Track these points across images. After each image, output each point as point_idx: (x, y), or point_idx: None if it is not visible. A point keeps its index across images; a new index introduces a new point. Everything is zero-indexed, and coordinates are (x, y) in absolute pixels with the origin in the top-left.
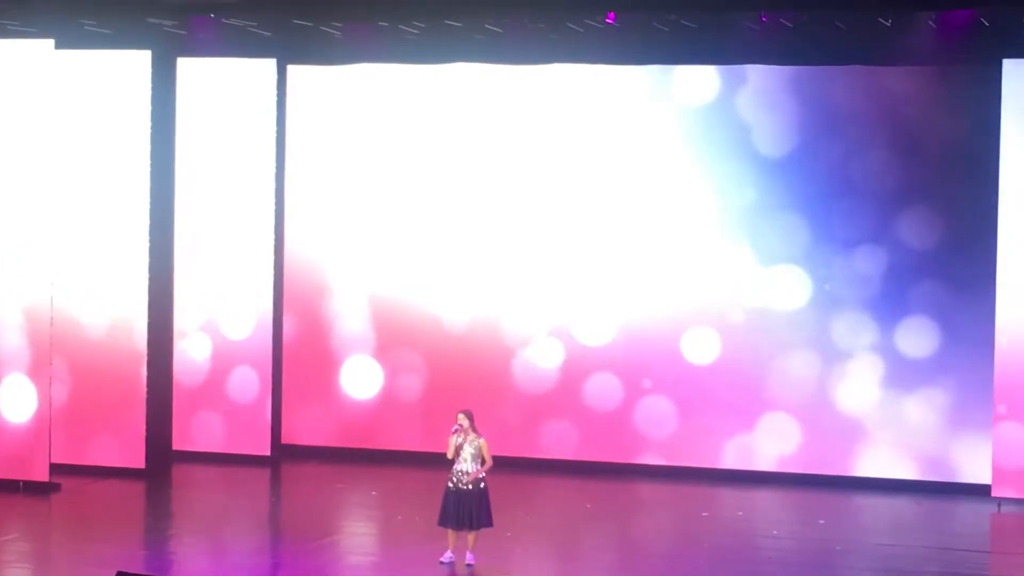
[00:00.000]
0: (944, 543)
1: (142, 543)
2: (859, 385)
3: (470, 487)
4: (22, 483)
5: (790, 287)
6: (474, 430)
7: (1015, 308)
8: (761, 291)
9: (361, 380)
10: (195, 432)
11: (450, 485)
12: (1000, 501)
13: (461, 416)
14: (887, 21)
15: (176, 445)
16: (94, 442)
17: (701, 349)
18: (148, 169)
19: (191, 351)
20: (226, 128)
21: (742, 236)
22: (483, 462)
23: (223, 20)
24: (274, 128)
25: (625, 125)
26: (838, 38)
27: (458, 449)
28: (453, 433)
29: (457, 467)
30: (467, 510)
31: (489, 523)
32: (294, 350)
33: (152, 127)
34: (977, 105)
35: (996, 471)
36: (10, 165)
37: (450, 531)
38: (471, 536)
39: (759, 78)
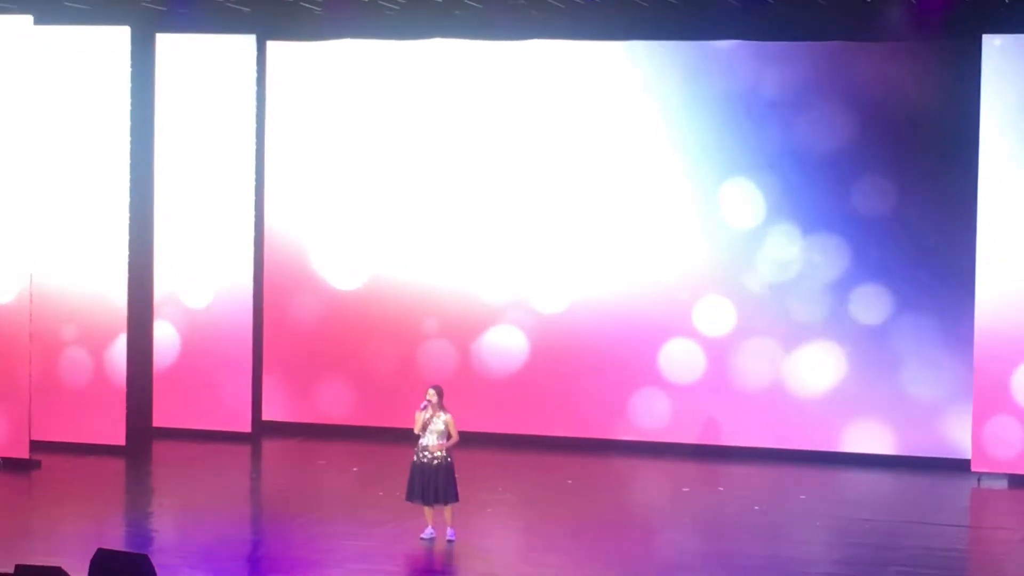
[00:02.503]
0: (924, 518)
1: (123, 520)
2: (839, 360)
3: (435, 462)
4: (2, 460)
5: (770, 261)
6: (442, 406)
7: (995, 283)
8: (740, 266)
9: (340, 355)
10: (175, 409)
11: (415, 460)
12: (980, 476)
13: (431, 391)
14: None
15: (156, 422)
16: (74, 419)
17: (681, 324)
18: (127, 145)
19: (171, 328)
20: (205, 104)
21: (719, 211)
22: (449, 437)
23: None
24: (254, 104)
25: (605, 101)
26: (818, 14)
27: (425, 424)
28: (422, 409)
29: (423, 442)
30: (432, 485)
31: (455, 498)
32: (274, 327)
33: (131, 103)
34: (957, 81)
35: (976, 446)
36: None
37: (426, 508)
38: (447, 511)
39: (738, 54)
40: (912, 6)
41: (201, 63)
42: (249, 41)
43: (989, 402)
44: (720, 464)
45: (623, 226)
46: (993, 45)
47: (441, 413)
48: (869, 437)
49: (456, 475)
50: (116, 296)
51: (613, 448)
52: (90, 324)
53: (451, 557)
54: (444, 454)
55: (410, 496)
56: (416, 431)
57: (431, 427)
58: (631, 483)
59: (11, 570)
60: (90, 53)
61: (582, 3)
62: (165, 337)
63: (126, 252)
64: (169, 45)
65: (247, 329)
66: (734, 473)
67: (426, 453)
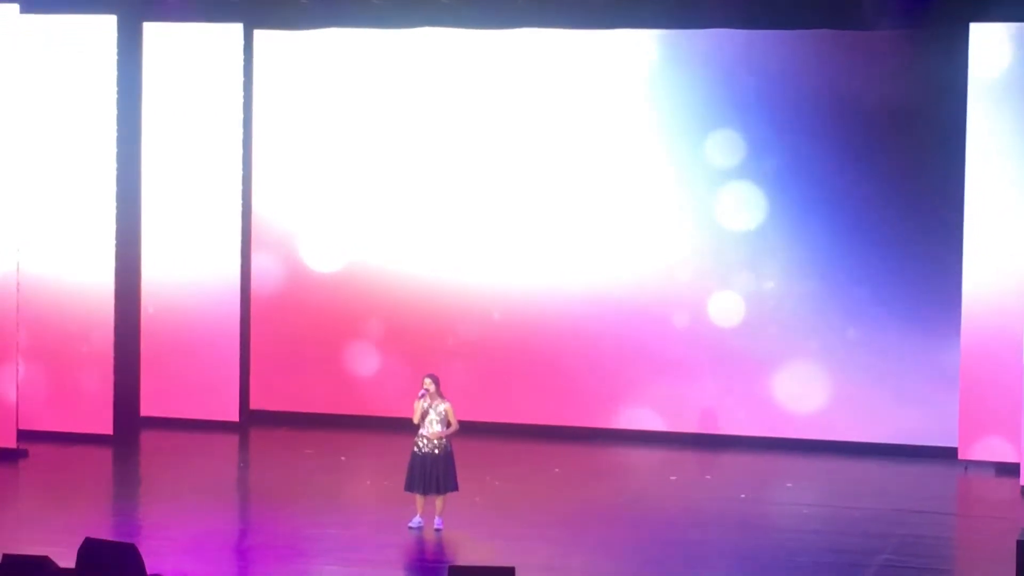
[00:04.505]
0: (911, 506)
1: (110, 510)
2: (826, 347)
3: (436, 451)
4: None
5: (757, 253)
6: (439, 394)
7: (982, 273)
8: (725, 257)
9: (329, 344)
10: (163, 398)
11: (416, 450)
12: (967, 464)
13: (427, 380)
14: None
15: (144, 411)
16: (62, 408)
17: (671, 313)
18: (114, 134)
19: (158, 316)
20: (192, 93)
21: (707, 200)
22: (448, 426)
23: None
24: (241, 93)
25: (592, 90)
26: (804, 2)
27: (424, 414)
28: (419, 398)
29: (422, 432)
30: (433, 475)
31: (455, 487)
32: (261, 315)
33: (118, 92)
34: (944, 70)
35: (963, 434)
36: None
37: (418, 496)
38: (439, 501)
39: (726, 42)
40: None
41: (188, 52)
42: (236, 30)
43: (976, 390)
44: (708, 453)
45: (613, 214)
46: (980, 34)
47: (439, 401)
48: (856, 425)
49: (455, 464)
50: (103, 285)
51: (601, 437)
52: (77, 313)
53: (439, 546)
54: (444, 442)
55: (409, 486)
56: (415, 421)
57: (430, 416)
58: (619, 472)
59: None
60: (77, 42)
61: None
62: (152, 326)
63: (113, 241)
64: (156, 34)
65: (235, 318)
66: (722, 462)
67: (426, 442)
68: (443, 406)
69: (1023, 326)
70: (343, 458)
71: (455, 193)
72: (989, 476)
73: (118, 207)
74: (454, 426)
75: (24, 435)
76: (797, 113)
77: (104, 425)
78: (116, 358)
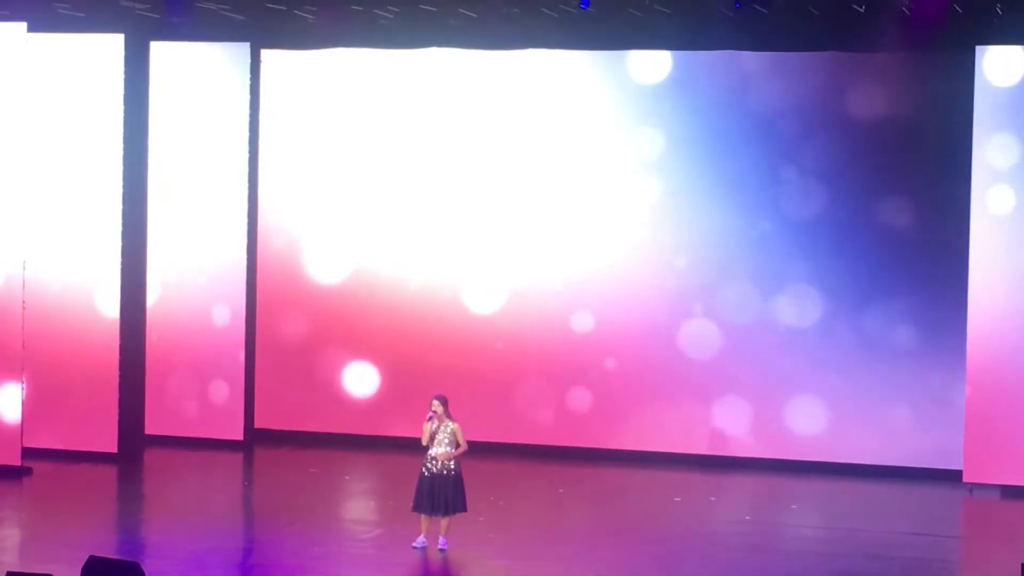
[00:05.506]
0: (916, 528)
1: (114, 528)
2: (830, 369)
3: (445, 472)
4: None
5: (764, 274)
6: (448, 415)
7: (988, 293)
8: (732, 274)
9: (334, 364)
10: (167, 416)
11: (424, 471)
12: (972, 486)
13: (435, 402)
14: (861, 7)
15: (148, 429)
16: (66, 426)
17: (677, 334)
18: (121, 153)
19: (163, 335)
20: (199, 112)
21: (713, 226)
22: (457, 446)
23: (196, 4)
24: (247, 112)
25: (598, 110)
26: (812, 24)
27: (433, 435)
28: (428, 420)
29: (431, 453)
30: (442, 495)
31: (463, 508)
32: (267, 333)
33: (125, 111)
34: (950, 92)
35: (968, 456)
36: None
37: (423, 516)
38: (444, 521)
39: (732, 63)
40: (906, 17)
41: (195, 71)
42: (243, 49)
43: (981, 412)
44: (712, 474)
45: (621, 233)
46: (987, 56)
47: (448, 422)
48: (861, 447)
49: (464, 485)
50: (109, 302)
51: (606, 457)
52: (83, 330)
53: (443, 565)
54: (453, 463)
55: (417, 507)
56: (424, 442)
57: (439, 437)
58: (623, 493)
59: None
60: (84, 61)
61: (576, 13)
62: (158, 344)
63: (119, 258)
64: (164, 53)
65: (240, 336)
66: (726, 483)
67: (435, 463)
68: (451, 427)
69: None
70: (347, 477)
71: (461, 213)
72: (994, 499)
73: (124, 225)
74: (463, 447)
75: (28, 453)
76: (803, 134)
77: (109, 443)
78: (121, 376)
